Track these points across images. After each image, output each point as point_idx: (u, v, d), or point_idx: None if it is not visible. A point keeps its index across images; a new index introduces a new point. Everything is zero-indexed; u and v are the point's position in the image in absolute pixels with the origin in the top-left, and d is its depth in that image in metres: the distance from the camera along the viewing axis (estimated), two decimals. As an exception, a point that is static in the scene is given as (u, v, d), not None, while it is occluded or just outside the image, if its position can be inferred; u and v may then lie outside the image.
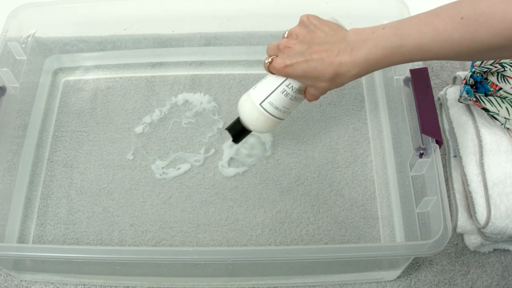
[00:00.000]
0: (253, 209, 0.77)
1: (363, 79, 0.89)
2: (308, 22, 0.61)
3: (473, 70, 0.75)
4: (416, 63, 0.73)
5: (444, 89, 0.82)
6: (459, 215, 0.72)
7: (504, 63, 0.72)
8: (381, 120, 0.85)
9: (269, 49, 0.63)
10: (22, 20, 0.82)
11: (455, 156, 0.78)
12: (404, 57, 0.54)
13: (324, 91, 0.61)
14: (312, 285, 0.73)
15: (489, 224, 0.68)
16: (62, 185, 0.79)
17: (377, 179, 0.80)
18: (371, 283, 0.73)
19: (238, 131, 0.69)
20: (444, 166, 0.79)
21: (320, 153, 0.82)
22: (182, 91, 0.88)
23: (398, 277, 0.73)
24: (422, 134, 0.67)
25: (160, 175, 0.80)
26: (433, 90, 0.71)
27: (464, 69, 0.90)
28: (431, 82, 0.70)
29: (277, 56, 0.61)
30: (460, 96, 0.77)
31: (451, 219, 0.73)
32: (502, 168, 0.71)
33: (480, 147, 0.73)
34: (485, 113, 0.75)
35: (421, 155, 0.67)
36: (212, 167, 0.80)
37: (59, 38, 0.90)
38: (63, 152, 0.83)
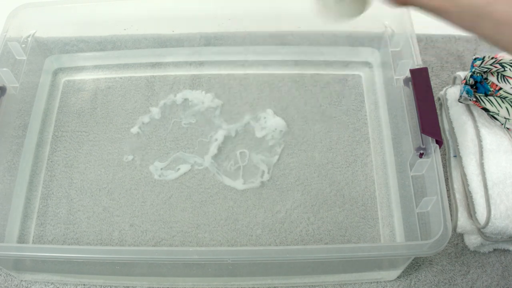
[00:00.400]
0: (253, 209, 0.77)
1: (363, 79, 0.89)
2: None
3: (473, 70, 0.75)
4: (416, 63, 0.73)
5: (444, 89, 0.82)
6: (459, 215, 0.72)
7: (504, 63, 0.72)
8: (381, 120, 0.85)
9: None
10: (22, 20, 0.82)
11: (455, 156, 0.77)
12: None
13: None
14: (312, 285, 0.73)
15: (489, 224, 0.68)
16: (62, 185, 0.79)
17: (377, 179, 0.80)
18: (371, 283, 0.73)
19: None
20: (444, 166, 0.78)
21: (320, 153, 0.82)
22: (182, 91, 0.88)
23: (398, 277, 0.73)
24: (422, 134, 0.67)
25: (159, 176, 0.80)
26: (433, 90, 0.71)
27: (464, 69, 0.90)
28: (431, 82, 0.70)
29: None
30: (460, 96, 0.76)
31: (451, 219, 0.73)
32: (502, 168, 0.71)
33: (480, 147, 0.73)
34: (485, 113, 0.75)
35: (421, 155, 0.67)
36: (212, 167, 0.81)
37: (59, 38, 0.90)
38: (63, 152, 0.83)
